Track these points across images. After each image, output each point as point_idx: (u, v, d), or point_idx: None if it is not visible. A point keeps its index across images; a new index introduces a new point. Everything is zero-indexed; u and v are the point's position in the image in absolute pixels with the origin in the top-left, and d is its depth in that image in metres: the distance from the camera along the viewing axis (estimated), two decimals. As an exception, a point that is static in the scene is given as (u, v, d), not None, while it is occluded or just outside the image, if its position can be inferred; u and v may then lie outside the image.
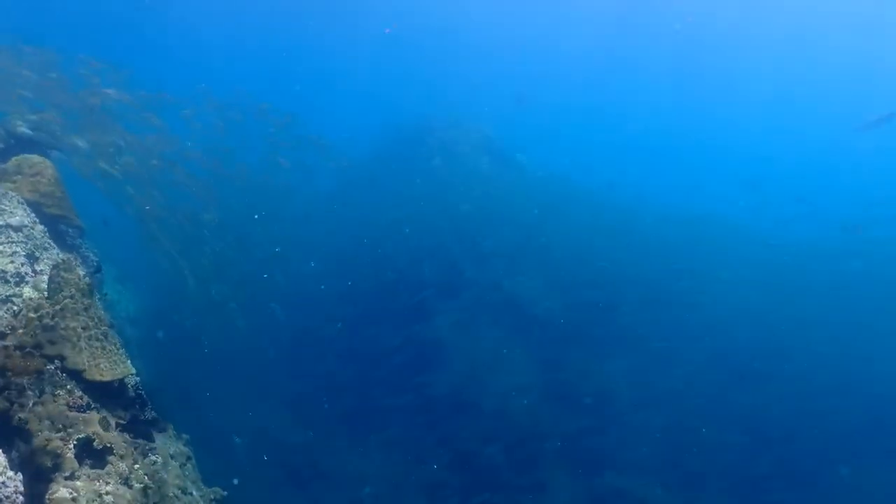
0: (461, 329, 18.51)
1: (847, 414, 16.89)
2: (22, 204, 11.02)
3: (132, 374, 8.36)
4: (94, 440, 6.75)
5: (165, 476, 7.57)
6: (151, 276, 18.58)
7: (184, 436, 8.89)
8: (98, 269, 13.31)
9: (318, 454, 15.91)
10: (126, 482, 6.72)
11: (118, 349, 8.14)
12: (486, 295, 19.10)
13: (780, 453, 16.67)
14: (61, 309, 7.72)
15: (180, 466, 8.03)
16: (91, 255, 14.06)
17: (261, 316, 18.19)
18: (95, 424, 6.98)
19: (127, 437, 7.27)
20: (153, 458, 7.46)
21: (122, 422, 7.56)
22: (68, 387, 7.25)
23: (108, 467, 6.68)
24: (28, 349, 7.30)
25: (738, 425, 16.86)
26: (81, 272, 11.01)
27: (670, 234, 21.32)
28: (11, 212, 10.55)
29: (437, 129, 25.28)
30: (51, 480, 6.33)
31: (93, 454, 6.74)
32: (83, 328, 7.76)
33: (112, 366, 7.78)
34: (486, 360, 18.02)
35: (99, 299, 12.60)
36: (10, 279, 9.32)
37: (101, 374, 7.61)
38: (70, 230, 13.25)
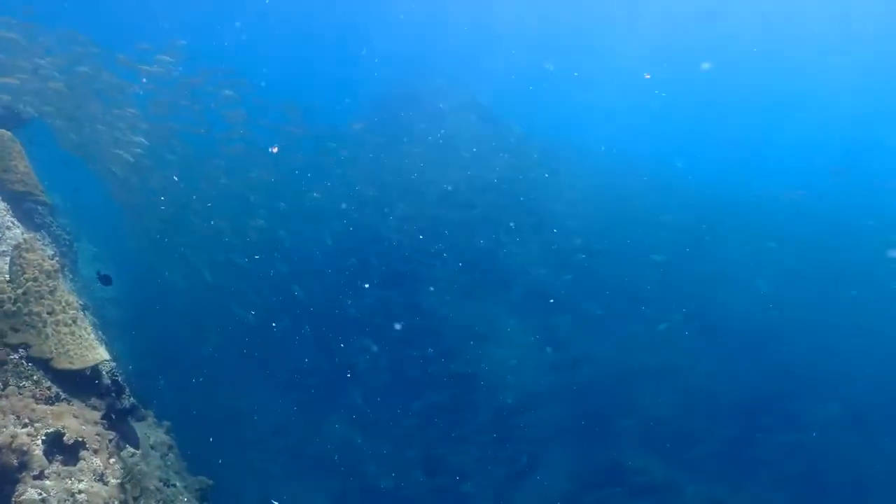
0: (453, 300, 18.03)
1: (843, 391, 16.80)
2: (-18, 181, 10.29)
3: (107, 361, 7.82)
4: (64, 434, 6.22)
5: (145, 468, 7.09)
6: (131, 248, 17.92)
7: (165, 423, 8.40)
8: (108, 282, 12.35)
9: (306, 433, 15.51)
10: (101, 478, 6.22)
11: (89, 334, 7.57)
12: (479, 264, 18.57)
13: (775, 425, 16.58)
14: (24, 293, 7.12)
15: (161, 457, 7.55)
16: (63, 233, 13.34)
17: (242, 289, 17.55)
18: (66, 417, 6.45)
19: (101, 429, 6.74)
20: (131, 450, 6.96)
21: (96, 412, 7.03)
22: (35, 377, 6.70)
23: (81, 463, 6.17)
24: (-12, 338, 6.73)
25: (735, 398, 16.69)
26: (51, 251, 10.38)
27: (671, 204, 20.83)
28: (-30, 189, 9.83)
29: (425, 96, 24.43)
30: (18, 481, 5.82)
31: (63, 450, 6.22)
32: (49, 313, 7.17)
33: (82, 353, 7.22)
34: (479, 330, 17.60)
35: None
36: (-29, 262, 8.66)
37: (71, 363, 7.06)
38: (39, 208, 12.52)
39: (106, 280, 11.93)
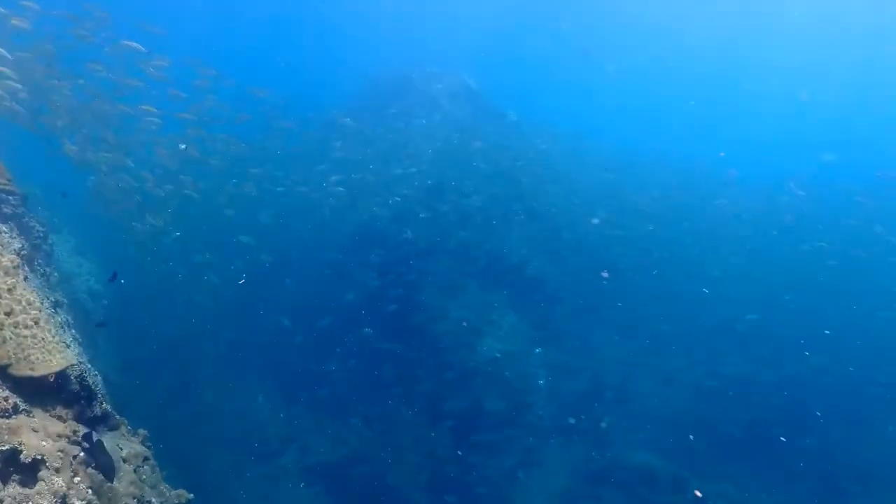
0: (448, 293, 17.36)
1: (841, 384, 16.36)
2: (-58, 168, 9.52)
3: (75, 364, 7.12)
4: (21, 452, 5.54)
5: (116, 484, 6.43)
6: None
7: (140, 431, 7.73)
8: (114, 278, 11.66)
9: (299, 429, 14.86)
10: (63, 501, 5.55)
11: (54, 336, 6.87)
12: (474, 256, 17.91)
13: (777, 421, 16.15)
14: (-22, 292, 6.41)
15: (135, 470, 6.87)
16: (37, 225, 12.61)
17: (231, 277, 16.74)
18: (24, 432, 5.77)
19: (65, 443, 6.07)
20: (100, 465, 6.28)
21: (60, 424, 6.35)
22: (-11, 386, 6.01)
23: (40, 485, 5.50)
24: (-63, 343, 6.03)
25: (738, 395, 16.24)
26: (18, 245, 9.64)
27: (671, 192, 20.24)
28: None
29: (418, 82, 23.70)
30: (-34, 505, 5.16)
31: (21, 469, 5.54)
32: (6, 314, 6.47)
33: (46, 357, 6.53)
34: (475, 325, 16.95)
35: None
36: (-74, 257, 7.92)
37: (32, 369, 6.36)
38: (10, 198, 11.76)
39: (113, 278, 11.51)
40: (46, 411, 6.52)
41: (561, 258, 18.41)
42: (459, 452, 15.17)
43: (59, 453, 5.83)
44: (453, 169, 19.55)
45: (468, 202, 18.78)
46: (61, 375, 6.87)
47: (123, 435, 7.33)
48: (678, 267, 18.49)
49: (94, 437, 6.04)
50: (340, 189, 17.64)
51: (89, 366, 9.39)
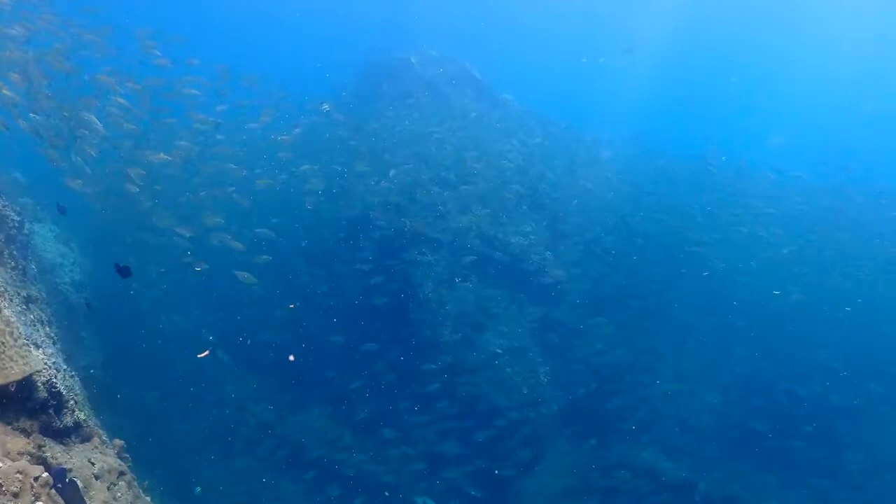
0: (445, 286, 16.68)
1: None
2: None
3: (42, 370, 6.46)
4: (-27, 475, 4.90)
5: (87, 505, 5.79)
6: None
7: (116, 442, 7.09)
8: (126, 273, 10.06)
9: (291, 432, 14.21)
10: (21, 530, 4.91)
11: (17, 340, 6.20)
12: (474, 246, 17.19)
13: (785, 419, 15.64)
14: (-71, 291, 5.73)
15: (108, 488, 6.23)
16: (12, 213, 11.89)
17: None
18: (-23, 450, 5.12)
19: (26, 462, 5.42)
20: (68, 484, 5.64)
21: (22, 439, 5.70)
22: (-60, 399, 5.36)
23: (-6, 512, 4.86)
24: None
25: (745, 393, 15.72)
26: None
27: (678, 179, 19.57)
28: None
29: (417, 66, 22.93)
30: None
31: (-28, 494, 4.90)
32: (-38, 316, 5.80)
33: (6, 364, 5.86)
34: (474, 319, 16.29)
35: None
36: None
37: (-9, 378, 5.71)
38: (-18, 185, 11.06)
39: (125, 272, 10.07)
40: (8, 424, 5.87)
41: (566, 248, 17.76)
42: (457, 451, 14.59)
43: (17, 475, 5.18)
44: (452, 157, 18.85)
45: (468, 191, 18.09)
46: (26, 383, 6.22)
47: (97, 447, 6.68)
48: (690, 262, 17.83)
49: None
50: (317, 178, 16.58)
51: (64, 366, 8.73)
